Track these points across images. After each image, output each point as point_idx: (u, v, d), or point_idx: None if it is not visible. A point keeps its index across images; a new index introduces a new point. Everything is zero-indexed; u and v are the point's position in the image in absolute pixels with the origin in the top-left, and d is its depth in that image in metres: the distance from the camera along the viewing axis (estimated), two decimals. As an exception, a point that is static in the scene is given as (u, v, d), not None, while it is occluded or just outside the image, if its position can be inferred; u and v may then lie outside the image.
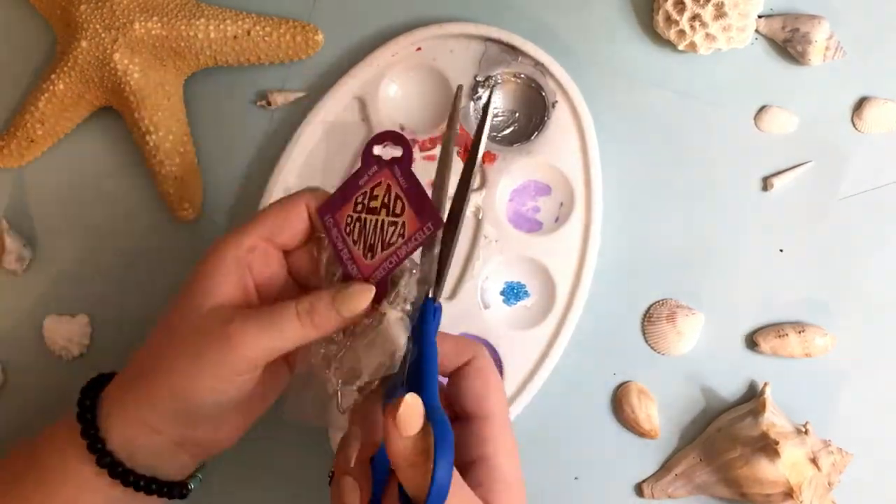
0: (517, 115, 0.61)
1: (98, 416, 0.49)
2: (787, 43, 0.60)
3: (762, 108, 0.60)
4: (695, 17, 0.58)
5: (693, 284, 0.61)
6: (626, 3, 0.61)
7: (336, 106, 0.60)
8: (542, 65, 0.59)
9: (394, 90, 0.61)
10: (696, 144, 0.61)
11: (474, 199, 0.60)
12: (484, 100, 0.60)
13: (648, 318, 0.61)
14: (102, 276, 0.62)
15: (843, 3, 0.60)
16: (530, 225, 0.61)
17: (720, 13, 0.58)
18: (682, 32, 0.59)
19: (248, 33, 0.60)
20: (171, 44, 0.59)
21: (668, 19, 0.59)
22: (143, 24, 0.58)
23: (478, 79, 0.60)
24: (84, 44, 0.58)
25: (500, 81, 0.60)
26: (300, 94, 0.61)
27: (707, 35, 0.59)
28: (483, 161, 0.60)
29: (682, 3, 0.58)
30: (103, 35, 0.58)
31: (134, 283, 0.62)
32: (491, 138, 0.61)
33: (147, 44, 0.58)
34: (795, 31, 0.59)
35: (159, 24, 0.58)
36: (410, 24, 0.60)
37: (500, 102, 0.61)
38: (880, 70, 0.60)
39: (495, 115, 0.61)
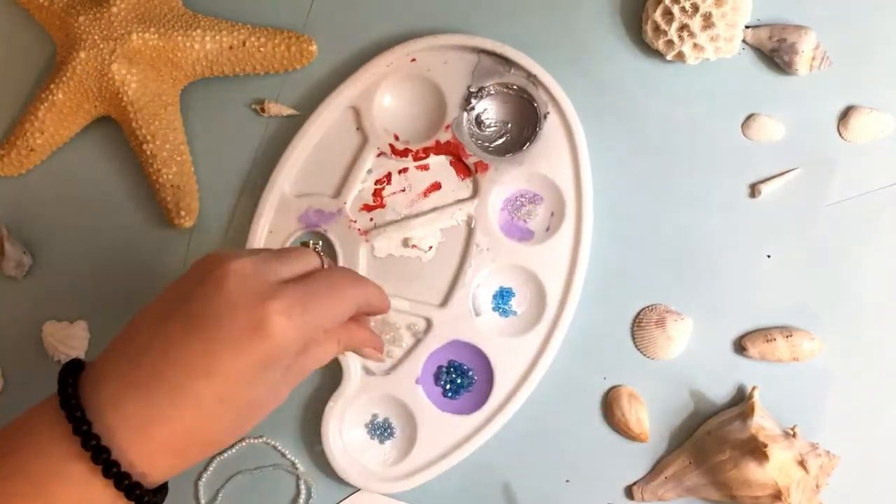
0: (509, 125, 0.62)
1: (110, 436, 0.44)
2: (774, 53, 0.60)
3: (750, 117, 0.61)
4: (683, 27, 0.59)
5: (682, 290, 0.61)
6: (615, 14, 0.61)
7: (331, 115, 0.61)
8: (535, 76, 0.60)
9: (388, 100, 0.61)
10: (684, 152, 0.61)
11: (466, 208, 0.61)
12: (477, 110, 0.61)
13: (638, 323, 0.61)
14: (101, 283, 0.63)
15: (829, 14, 0.60)
16: (521, 234, 0.61)
17: (708, 23, 0.59)
18: (670, 42, 0.59)
19: (244, 44, 0.60)
20: (167, 54, 0.59)
21: (657, 30, 0.60)
22: (140, 35, 0.59)
23: (471, 89, 0.61)
24: (83, 54, 0.59)
25: (492, 92, 0.61)
26: (294, 113, 0.62)
27: (695, 45, 0.59)
28: (476, 171, 0.61)
29: (671, 14, 0.59)
30: (101, 46, 0.59)
31: (132, 289, 0.62)
32: (483, 148, 0.61)
33: (144, 54, 0.59)
34: (782, 41, 0.60)
35: (156, 35, 0.59)
36: (404, 35, 0.61)
37: (493, 113, 0.62)
38: (866, 80, 0.60)
39: (488, 126, 0.62)
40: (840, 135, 0.61)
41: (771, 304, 0.61)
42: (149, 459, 0.44)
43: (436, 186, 0.61)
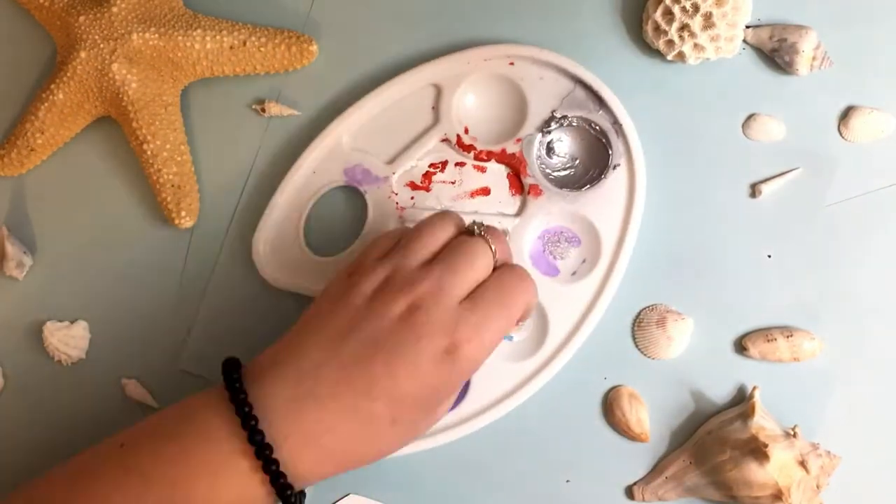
0: (577, 162, 0.61)
1: (276, 441, 0.46)
2: (775, 53, 0.60)
3: (750, 117, 0.61)
4: (683, 27, 0.59)
5: (682, 290, 0.61)
6: (615, 14, 0.61)
7: (414, 84, 0.60)
8: (620, 125, 0.59)
9: (472, 92, 0.61)
10: (684, 152, 0.61)
11: (506, 224, 0.60)
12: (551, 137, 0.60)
13: (638, 323, 0.61)
14: (101, 283, 0.63)
15: (830, 14, 0.60)
16: (548, 269, 0.60)
17: (708, 23, 0.59)
18: (670, 42, 0.59)
19: (244, 44, 0.60)
20: (168, 54, 0.59)
21: (657, 29, 0.60)
22: (140, 35, 0.59)
23: (555, 114, 0.60)
24: (83, 54, 0.59)
25: (573, 124, 0.60)
26: (294, 113, 0.62)
27: (696, 45, 0.59)
28: (528, 192, 0.60)
29: (671, 14, 0.59)
30: (102, 46, 0.59)
31: (132, 289, 0.62)
32: (544, 174, 0.60)
33: (145, 54, 0.59)
34: (783, 41, 0.60)
35: (157, 35, 0.59)
36: (404, 33, 0.61)
37: (566, 145, 0.61)
38: (866, 80, 0.60)
39: (556, 154, 0.61)
40: (841, 135, 0.61)
41: (771, 304, 0.61)
42: (311, 466, 0.47)
43: (485, 191, 0.61)
